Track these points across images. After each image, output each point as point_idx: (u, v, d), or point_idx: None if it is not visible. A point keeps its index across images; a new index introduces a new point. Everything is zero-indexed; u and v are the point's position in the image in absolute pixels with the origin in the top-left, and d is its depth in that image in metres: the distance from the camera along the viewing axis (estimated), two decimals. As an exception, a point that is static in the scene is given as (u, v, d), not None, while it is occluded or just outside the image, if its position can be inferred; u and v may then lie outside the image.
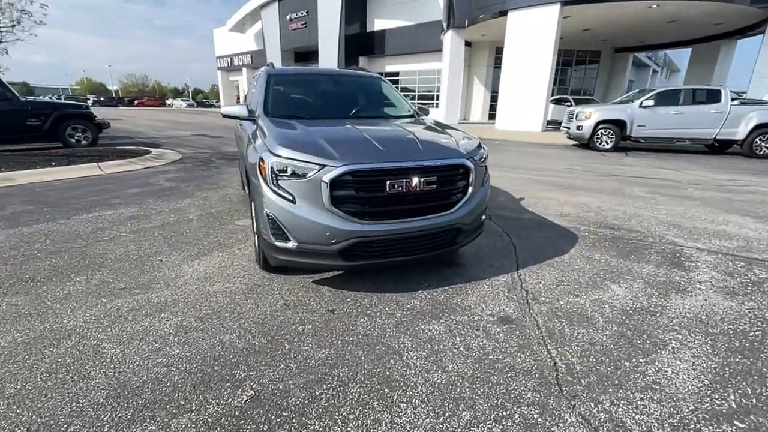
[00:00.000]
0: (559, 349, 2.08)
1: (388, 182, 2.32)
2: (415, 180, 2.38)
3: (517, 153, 10.40)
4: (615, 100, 12.05)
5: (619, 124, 10.52)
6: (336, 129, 2.85)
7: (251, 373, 1.87)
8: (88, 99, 52.66)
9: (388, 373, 1.89)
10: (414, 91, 30.88)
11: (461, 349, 2.08)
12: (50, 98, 11.18)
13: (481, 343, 2.12)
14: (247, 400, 1.71)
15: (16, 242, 3.54)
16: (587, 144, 11.06)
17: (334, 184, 2.27)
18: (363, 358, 2.00)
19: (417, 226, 2.45)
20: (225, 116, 3.33)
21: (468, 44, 25.41)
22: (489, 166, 3.14)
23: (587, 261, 3.24)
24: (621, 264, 3.19)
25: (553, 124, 17.88)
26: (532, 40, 15.92)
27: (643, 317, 2.41)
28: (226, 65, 48.92)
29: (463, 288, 2.76)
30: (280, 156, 2.34)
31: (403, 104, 3.91)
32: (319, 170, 2.26)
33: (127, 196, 5.25)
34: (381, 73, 31.28)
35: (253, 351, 2.04)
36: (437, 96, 26.60)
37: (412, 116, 3.69)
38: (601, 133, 10.69)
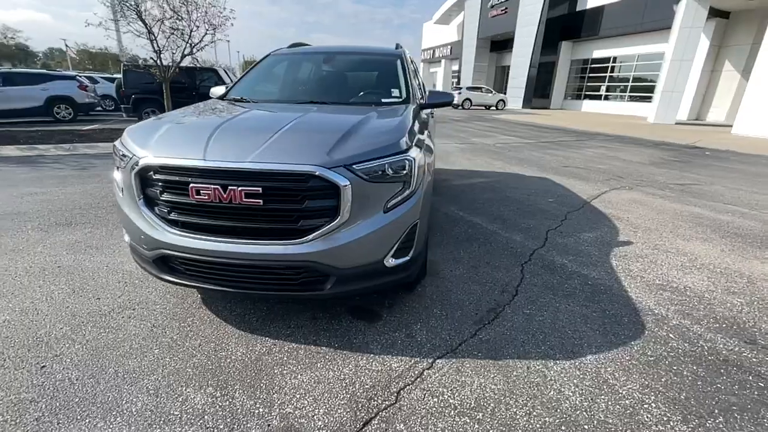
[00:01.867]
0: None
1: (191, 185, 1.72)
2: (231, 188, 1.68)
3: (725, 171, 6.80)
4: None
5: None
6: (220, 115, 2.33)
7: (-9, 367, 1.75)
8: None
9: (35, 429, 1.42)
10: (627, 81, 24.80)
11: (165, 450, 1.37)
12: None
13: (198, 456, 1.35)
14: (-61, 395, 1.59)
15: (108, 193, 4.58)
16: None
17: (143, 178, 1.85)
18: (69, 411, 1.58)
19: (241, 252, 1.76)
20: (210, 97, 3.29)
21: (723, 15, 18.30)
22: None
23: (592, 390, 1.69)
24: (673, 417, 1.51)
25: None
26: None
27: None
28: (428, 57, 51.55)
29: (317, 356, 1.87)
30: (120, 140, 2.07)
31: (400, 88, 2.92)
32: (129, 160, 1.88)
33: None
34: (587, 60, 26.51)
35: (30, 342, 1.92)
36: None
37: (398, 103, 2.71)
38: None
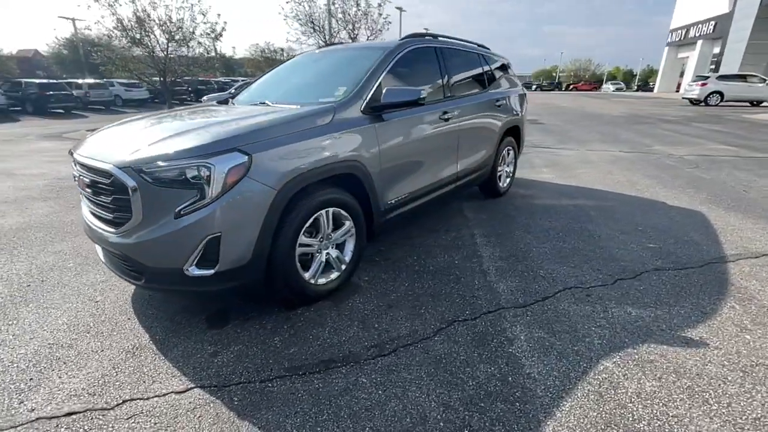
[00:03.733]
0: None
1: (72, 172, 2.14)
2: (81, 177, 2.01)
3: None
4: None
5: None
6: (147, 114, 2.66)
7: None
8: (532, 84, 61.36)
9: (-34, 331, 2.10)
10: None
11: (-25, 366, 1.82)
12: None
13: (-24, 380, 1.74)
14: (-20, 285, 2.59)
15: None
16: None
17: (79, 164, 2.40)
18: None
19: (98, 236, 2.07)
20: None
21: None
22: None
23: None
24: None
25: None
26: None
27: None
28: (677, 39, 40.02)
29: (119, 348, 1.99)
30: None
31: (349, 86, 2.49)
32: (79, 149, 2.45)
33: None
34: None
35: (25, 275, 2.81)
36: None
37: (331, 102, 2.37)
38: None
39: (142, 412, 1.56)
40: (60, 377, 1.75)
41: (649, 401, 1.58)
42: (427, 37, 3.30)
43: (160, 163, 1.73)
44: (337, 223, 2.36)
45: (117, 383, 1.72)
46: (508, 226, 3.54)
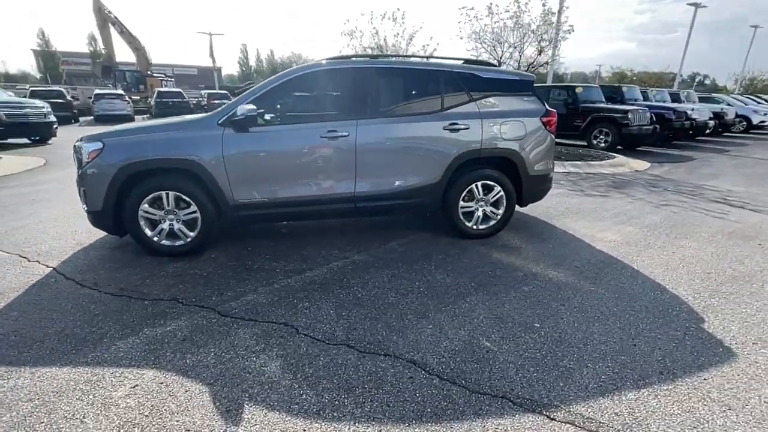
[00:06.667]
0: (-15, 251, 3.34)
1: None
2: None
3: None
4: None
5: None
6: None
7: None
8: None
9: None
10: None
11: None
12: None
13: None
14: None
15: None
16: None
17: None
18: None
19: None
20: None
21: None
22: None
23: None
24: None
25: None
26: None
27: None
28: None
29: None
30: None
31: (233, 103, 3.08)
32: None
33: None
34: None
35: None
36: None
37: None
38: None
39: (34, 271, 3.01)
40: (54, 246, 3.48)
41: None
42: (358, 59, 3.40)
43: (75, 144, 3.15)
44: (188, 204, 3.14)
45: (59, 256, 3.26)
46: (389, 267, 3.10)
